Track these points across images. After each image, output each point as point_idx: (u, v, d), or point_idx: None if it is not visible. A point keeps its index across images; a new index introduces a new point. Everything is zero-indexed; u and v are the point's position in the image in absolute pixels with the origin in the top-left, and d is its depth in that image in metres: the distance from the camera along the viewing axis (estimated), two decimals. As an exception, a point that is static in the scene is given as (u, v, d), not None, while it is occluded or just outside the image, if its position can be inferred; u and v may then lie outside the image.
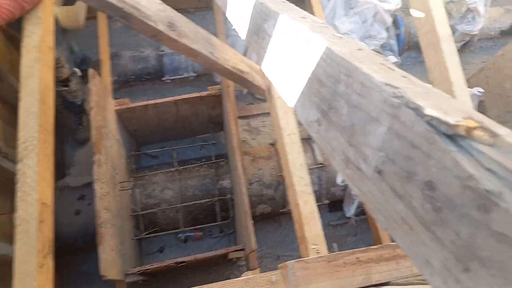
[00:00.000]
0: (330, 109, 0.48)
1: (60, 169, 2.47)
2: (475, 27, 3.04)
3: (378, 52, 3.04)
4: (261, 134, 2.84)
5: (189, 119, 2.37)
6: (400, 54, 3.09)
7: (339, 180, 2.48)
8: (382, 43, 2.94)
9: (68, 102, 2.38)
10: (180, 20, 1.48)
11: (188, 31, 1.48)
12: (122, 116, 2.20)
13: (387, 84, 0.37)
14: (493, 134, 0.28)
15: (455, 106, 0.32)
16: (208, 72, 2.85)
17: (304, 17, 0.65)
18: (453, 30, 3.16)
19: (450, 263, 0.29)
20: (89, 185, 2.26)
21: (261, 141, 2.83)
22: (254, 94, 2.97)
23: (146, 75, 2.75)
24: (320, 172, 2.50)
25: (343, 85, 0.44)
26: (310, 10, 2.82)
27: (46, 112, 1.26)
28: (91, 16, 2.91)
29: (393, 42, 3.02)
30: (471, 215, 0.27)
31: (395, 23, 3.00)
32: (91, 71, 1.89)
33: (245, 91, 2.91)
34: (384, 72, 0.40)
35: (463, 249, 0.28)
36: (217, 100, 2.22)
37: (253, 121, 2.89)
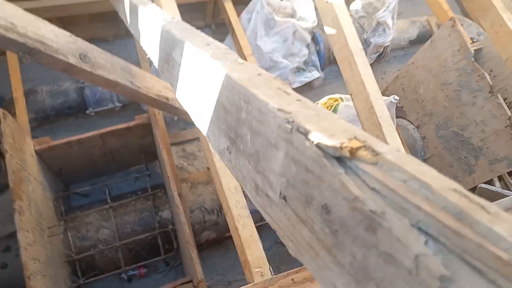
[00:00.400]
0: (237, 136, 0.47)
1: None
2: (386, 39, 3.30)
3: (302, 68, 3.17)
4: (198, 159, 2.80)
5: (119, 152, 2.26)
6: (322, 68, 3.25)
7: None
8: (304, 59, 3.07)
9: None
10: (93, 51, 1.41)
11: (104, 62, 1.42)
12: (44, 156, 2.04)
13: (279, 110, 0.37)
14: (376, 153, 0.29)
15: (341, 127, 0.33)
16: (134, 101, 2.77)
17: (208, 44, 0.64)
18: (368, 42, 3.40)
19: (352, 286, 0.29)
20: (14, 235, 2.06)
21: (198, 166, 2.78)
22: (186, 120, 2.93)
23: (67, 110, 2.60)
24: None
25: (244, 112, 0.44)
26: (232, 33, 2.87)
27: None
28: None
29: (315, 58, 3.17)
30: (362, 237, 0.27)
31: (314, 39, 3.16)
32: (1, 111, 1.74)
33: (176, 117, 2.86)
34: (279, 97, 0.40)
35: (360, 271, 0.28)
36: (146, 129, 2.14)
37: (188, 146, 2.84)
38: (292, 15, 3.06)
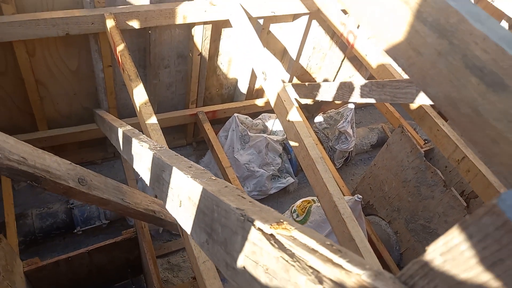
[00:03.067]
0: (212, 230, 0.67)
1: None
2: (349, 145, 3.70)
3: (277, 175, 3.46)
4: (183, 269, 2.85)
5: (106, 268, 2.32)
6: (296, 174, 3.54)
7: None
8: (278, 167, 3.38)
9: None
10: (90, 175, 1.64)
11: (98, 184, 1.64)
12: (32, 277, 2.09)
13: (237, 208, 0.58)
14: (291, 229, 0.50)
15: (273, 216, 0.54)
16: (120, 217, 2.91)
17: (190, 166, 0.88)
18: (334, 149, 3.79)
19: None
20: None
21: (183, 277, 2.82)
22: (171, 231, 3.05)
23: (55, 231, 2.70)
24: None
25: (216, 213, 0.65)
26: (212, 149, 3.20)
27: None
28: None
29: (288, 165, 3.49)
30: (283, 277, 0.46)
31: (286, 149, 3.52)
32: (-4, 236, 1.86)
33: (161, 229, 2.99)
34: (238, 201, 0.62)
35: (286, 300, 0.46)
36: (133, 243, 2.26)
37: (173, 258, 2.91)
38: (264, 130, 3.47)
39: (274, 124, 3.45)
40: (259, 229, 0.52)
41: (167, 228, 2.50)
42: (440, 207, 2.80)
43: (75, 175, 1.57)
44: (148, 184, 1.14)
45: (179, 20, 2.63)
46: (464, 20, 0.41)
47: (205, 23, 2.78)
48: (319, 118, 3.80)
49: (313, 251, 0.45)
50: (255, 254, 0.53)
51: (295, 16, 3.14)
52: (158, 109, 3.27)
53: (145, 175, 1.17)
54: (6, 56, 2.42)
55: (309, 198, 2.77)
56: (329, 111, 3.82)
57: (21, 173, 1.37)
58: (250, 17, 2.65)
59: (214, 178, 0.77)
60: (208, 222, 0.68)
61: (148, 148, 1.14)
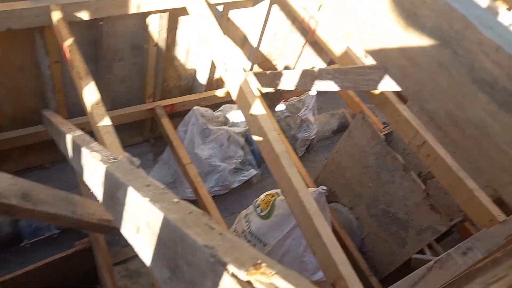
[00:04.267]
0: (176, 267, 0.58)
1: None
2: (311, 133, 3.69)
3: (239, 168, 3.39)
4: (143, 275, 2.72)
5: (58, 284, 2.14)
6: (259, 165, 3.49)
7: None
8: (240, 160, 3.31)
9: None
10: (35, 188, 1.47)
11: (46, 197, 1.48)
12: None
13: (205, 246, 0.49)
14: (270, 272, 0.42)
15: (249, 255, 0.46)
16: (77, 223, 2.72)
17: (148, 185, 0.78)
18: (296, 138, 3.77)
19: None
20: None
21: (143, 283, 2.69)
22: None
23: (-1, 246, 2.47)
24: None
25: (180, 248, 0.56)
26: (171, 145, 3.06)
27: None
28: None
29: (250, 157, 3.43)
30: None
31: (248, 141, 3.44)
32: None
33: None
34: (206, 234, 0.53)
35: None
36: (87, 253, 2.10)
37: (131, 264, 2.76)
38: (225, 122, 3.36)
39: (235, 115, 3.35)
40: (233, 275, 0.44)
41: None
42: (401, 191, 2.86)
43: (18, 190, 1.40)
44: (100, 201, 1.03)
45: (132, 10, 2.44)
46: (471, 26, 0.35)
47: (161, 11, 2.61)
48: (281, 107, 3.75)
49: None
50: (230, 304, 0.45)
51: (255, 1, 3.03)
52: (112, 105, 3.06)
53: (97, 190, 1.05)
54: None
55: (273, 191, 2.73)
56: (290, 99, 3.78)
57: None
58: (208, 4, 2.51)
59: (176, 200, 0.67)
60: (171, 256, 0.59)
61: (101, 160, 1.02)
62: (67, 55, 2.02)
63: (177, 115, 3.36)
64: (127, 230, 0.80)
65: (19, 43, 2.34)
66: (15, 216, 1.40)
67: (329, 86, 2.53)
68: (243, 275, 0.43)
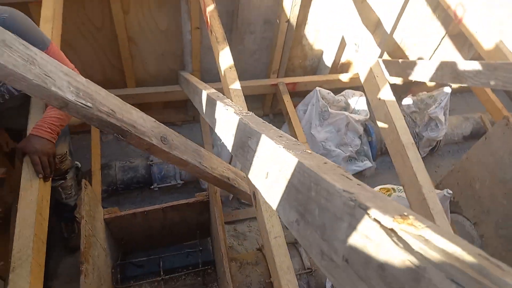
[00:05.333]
0: (306, 211, 0.58)
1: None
2: (439, 134, 3.36)
3: (354, 157, 3.28)
4: (248, 239, 2.86)
5: (177, 226, 2.40)
6: (374, 159, 3.33)
7: (328, 285, 2.45)
8: (356, 149, 3.19)
9: (62, 206, 2.42)
10: (172, 134, 1.64)
11: (179, 144, 1.64)
12: (111, 225, 2.23)
13: (345, 191, 0.48)
14: (420, 226, 0.39)
15: (393, 207, 0.43)
16: (194, 179, 2.98)
17: (280, 136, 0.79)
18: (420, 136, 3.48)
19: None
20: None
21: (248, 247, 2.83)
22: (240, 200, 3.06)
23: (135, 184, 2.85)
24: (309, 277, 2.47)
25: (314, 192, 0.55)
26: (289, 122, 3.10)
27: (42, 223, 1.31)
28: (84, 130, 3.12)
29: (367, 148, 3.28)
30: (410, 287, 0.36)
31: (367, 131, 3.30)
32: (83, 181, 1.99)
33: (231, 196, 3.01)
34: (343, 181, 0.52)
35: (409, 317, 0.36)
36: (204, 206, 2.29)
37: (239, 226, 2.93)
38: (346, 108, 3.27)
39: (357, 102, 3.23)
40: (376, 220, 0.41)
41: (238, 196, 2.50)
42: (544, 216, 2.43)
43: (158, 133, 1.58)
44: (230, 150, 1.09)
45: (270, -17, 2.51)
46: None
47: (297, -13, 2.63)
48: (408, 100, 3.49)
49: (457, 261, 0.34)
50: (366, 249, 0.43)
51: (395, -16, 2.84)
52: (239, 76, 3.23)
53: (228, 140, 1.11)
54: (103, 12, 2.51)
55: (388, 186, 2.57)
56: (420, 94, 3.49)
57: (109, 125, 1.41)
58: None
59: (310, 151, 0.67)
60: (302, 200, 0.59)
61: (234, 112, 1.07)
62: (208, 20, 2.17)
63: (298, 94, 3.39)
64: (255, 175, 0.83)
65: (167, 7, 2.60)
66: (154, 155, 1.59)
67: (471, 81, 2.25)
68: (388, 222, 0.40)
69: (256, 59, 3.16)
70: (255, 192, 1.65)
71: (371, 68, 1.97)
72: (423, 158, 3.58)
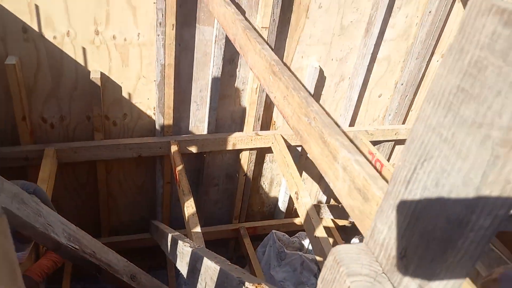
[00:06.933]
0: (222, 298, 0.95)
1: None
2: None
3: (312, 296, 3.49)
4: None
5: None
6: (331, 296, 3.54)
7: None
8: None
9: None
10: (140, 273, 1.95)
11: (146, 282, 1.94)
12: None
13: (238, 277, 0.88)
14: (262, 286, 0.79)
15: (258, 281, 0.84)
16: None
17: (215, 257, 1.19)
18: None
19: None
20: None
21: None
22: None
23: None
24: None
25: (226, 283, 0.94)
26: (249, 263, 3.41)
27: None
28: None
29: (323, 286, 3.53)
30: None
31: (321, 269, 3.60)
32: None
33: None
34: (239, 274, 0.92)
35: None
36: None
37: None
38: (300, 248, 3.64)
39: (310, 243, 3.63)
40: (246, 286, 0.81)
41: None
42: None
43: (128, 271, 1.89)
44: (185, 277, 1.44)
45: (229, 147, 3.17)
46: None
47: (251, 149, 3.30)
48: (355, 241, 3.92)
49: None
50: (243, 304, 0.81)
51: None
52: (204, 223, 3.64)
53: (184, 269, 1.48)
54: (89, 172, 3.02)
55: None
56: (365, 234, 3.94)
57: (90, 264, 1.73)
58: (289, 146, 3.14)
59: (230, 264, 1.07)
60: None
61: (190, 247, 1.47)
62: (177, 177, 2.70)
63: (258, 238, 3.78)
64: (199, 286, 1.19)
65: (144, 167, 3.15)
66: (123, 290, 1.87)
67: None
68: (250, 285, 0.80)
69: (219, 207, 3.64)
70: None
71: (307, 212, 2.46)
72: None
